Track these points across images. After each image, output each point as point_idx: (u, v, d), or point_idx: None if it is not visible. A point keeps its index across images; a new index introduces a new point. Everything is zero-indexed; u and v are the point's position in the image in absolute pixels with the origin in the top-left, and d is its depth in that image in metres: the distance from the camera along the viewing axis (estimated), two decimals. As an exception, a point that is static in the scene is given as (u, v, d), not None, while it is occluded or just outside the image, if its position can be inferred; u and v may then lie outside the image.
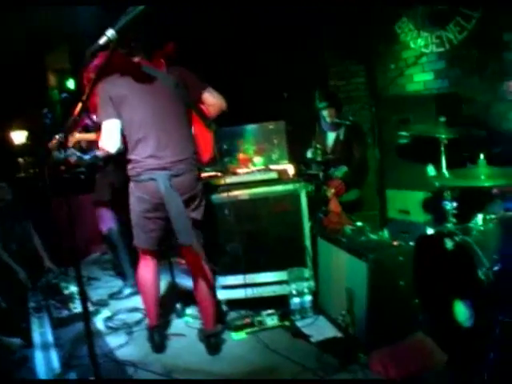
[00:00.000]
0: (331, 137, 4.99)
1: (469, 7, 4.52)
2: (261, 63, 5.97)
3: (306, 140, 4.88)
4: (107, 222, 4.52)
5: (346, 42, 5.88)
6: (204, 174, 3.90)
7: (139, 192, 3.17)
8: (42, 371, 3.20)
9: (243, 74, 5.93)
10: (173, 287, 4.19)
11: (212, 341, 3.38)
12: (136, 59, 3.18)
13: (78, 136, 4.02)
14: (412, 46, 5.22)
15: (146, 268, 3.40)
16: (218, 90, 3.40)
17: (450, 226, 3.12)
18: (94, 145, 3.77)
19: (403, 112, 4.43)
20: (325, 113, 4.83)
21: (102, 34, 1.90)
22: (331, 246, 3.57)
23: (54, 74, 6.93)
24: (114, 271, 5.25)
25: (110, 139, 3.10)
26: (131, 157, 3.16)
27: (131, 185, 3.22)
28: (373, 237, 3.52)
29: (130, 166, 3.19)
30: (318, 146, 4.54)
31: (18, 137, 6.18)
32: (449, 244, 2.87)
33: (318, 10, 5.75)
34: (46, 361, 3.35)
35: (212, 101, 3.37)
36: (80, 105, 2.07)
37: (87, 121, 4.15)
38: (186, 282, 4.06)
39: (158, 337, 3.46)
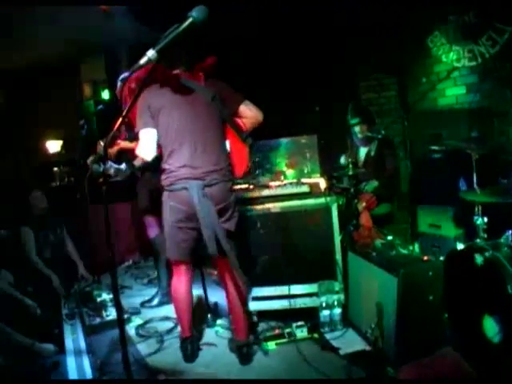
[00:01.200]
0: (363, 152, 4.99)
1: (502, 21, 4.50)
2: (294, 77, 6.01)
3: (339, 154, 4.89)
4: (154, 227, 4.56)
5: (378, 56, 5.88)
6: (236, 187, 3.95)
7: (172, 201, 3.22)
8: (73, 377, 3.27)
9: (278, 87, 5.96)
10: (204, 298, 4.22)
11: (244, 351, 3.40)
12: (176, 71, 3.27)
13: (122, 144, 4.08)
14: (444, 59, 5.21)
15: (179, 280, 3.44)
16: (254, 103, 3.45)
17: (479, 241, 3.11)
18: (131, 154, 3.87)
19: (435, 126, 4.43)
20: (356, 129, 4.83)
21: (143, 54, 1.98)
22: (362, 259, 3.57)
23: (89, 84, 7.07)
24: (146, 280, 5.33)
25: (146, 147, 3.17)
26: (165, 166, 3.23)
27: (165, 194, 3.28)
28: (403, 251, 3.51)
29: (163, 176, 3.25)
30: (350, 159, 4.56)
31: (54, 146, 6.34)
32: (479, 259, 2.87)
33: (351, 23, 5.79)
34: (77, 366, 3.43)
35: (249, 114, 3.41)
36: (120, 119, 2.14)
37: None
38: (218, 293, 4.12)
39: (191, 347, 3.50)
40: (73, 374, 3.33)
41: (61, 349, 3.64)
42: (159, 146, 3.24)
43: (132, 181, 4.54)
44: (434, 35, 5.28)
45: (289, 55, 5.92)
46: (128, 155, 3.81)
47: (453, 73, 5.01)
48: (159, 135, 3.21)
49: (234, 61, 5.57)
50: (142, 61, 2.00)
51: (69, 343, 3.75)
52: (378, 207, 4.71)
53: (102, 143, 2.46)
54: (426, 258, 3.30)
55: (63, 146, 6.37)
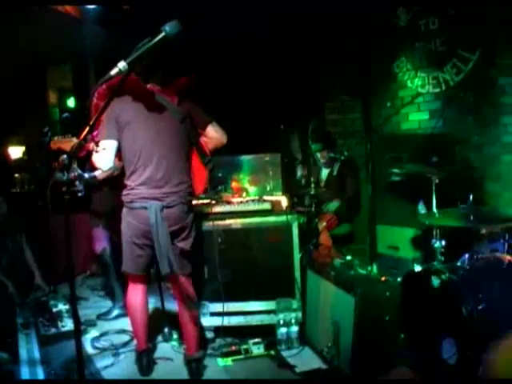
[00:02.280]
0: (325, 172, 5.08)
1: (467, 49, 4.63)
2: (259, 96, 6.05)
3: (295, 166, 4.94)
4: (101, 241, 4.53)
5: (343, 79, 5.97)
6: (197, 202, 3.96)
7: (130, 218, 3.23)
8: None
9: (242, 106, 5.98)
10: (161, 311, 4.20)
11: (193, 366, 3.39)
12: (150, 86, 3.29)
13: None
14: (409, 85, 5.31)
15: (135, 292, 3.42)
16: (218, 121, 3.51)
17: (437, 264, 3.18)
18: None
19: (397, 150, 4.51)
20: (318, 154, 4.94)
21: (114, 64, 1.97)
22: (320, 278, 3.62)
23: (55, 91, 6.99)
24: (103, 292, 5.24)
25: (104, 159, 3.15)
26: (127, 182, 3.23)
27: (124, 210, 3.28)
28: (361, 271, 3.56)
29: (124, 192, 3.24)
30: (312, 179, 4.61)
31: (15, 152, 6.23)
32: (435, 282, 2.92)
33: (317, 45, 5.87)
34: (31, 377, 3.36)
35: (214, 134, 3.50)
36: (87, 129, 2.12)
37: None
38: (175, 307, 4.08)
39: (146, 360, 3.47)
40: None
41: (15, 358, 3.55)
42: (120, 160, 3.24)
43: (90, 192, 4.50)
44: (400, 61, 5.38)
45: (255, 73, 5.95)
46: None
47: (417, 98, 5.11)
48: (124, 149, 3.21)
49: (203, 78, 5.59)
50: (113, 72, 1.99)
51: (23, 353, 3.68)
52: (338, 227, 4.78)
53: (65, 154, 2.42)
54: (383, 278, 3.36)
55: (25, 153, 6.25)
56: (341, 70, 5.89)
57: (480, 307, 2.62)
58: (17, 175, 5.87)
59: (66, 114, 5.58)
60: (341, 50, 5.78)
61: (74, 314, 2.41)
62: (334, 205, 4.80)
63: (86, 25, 5.63)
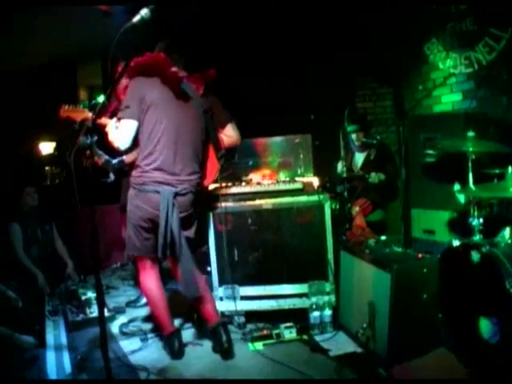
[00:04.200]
0: (359, 157, 4.98)
1: (499, 28, 4.50)
2: (291, 84, 5.99)
3: (332, 156, 4.84)
4: None
5: (374, 64, 5.88)
6: (226, 183, 3.93)
7: (139, 201, 3.18)
8: (52, 371, 3.19)
9: (274, 91, 5.92)
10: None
11: (221, 331, 3.32)
12: (177, 70, 3.23)
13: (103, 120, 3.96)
14: (441, 66, 5.21)
15: (148, 276, 3.37)
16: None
17: (476, 238, 3.03)
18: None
19: (431, 131, 4.36)
20: (354, 136, 4.84)
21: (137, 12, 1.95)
22: (354, 258, 3.48)
23: (84, 89, 7.06)
24: (132, 281, 5.23)
25: (123, 136, 3.11)
26: (140, 164, 3.18)
27: (132, 192, 3.23)
28: (397, 249, 3.42)
29: (135, 173, 3.20)
30: (345, 163, 4.51)
31: (46, 147, 6.30)
32: (475, 256, 2.79)
33: (345, 33, 5.80)
34: (57, 361, 3.34)
35: (232, 133, 3.51)
36: (110, 89, 2.09)
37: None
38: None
39: (178, 342, 3.39)
40: (51, 369, 3.23)
41: (41, 344, 3.53)
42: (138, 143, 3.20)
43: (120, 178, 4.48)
44: (431, 42, 5.28)
45: (288, 59, 5.90)
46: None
47: (449, 79, 4.99)
48: (143, 131, 3.16)
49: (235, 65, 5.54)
50: (135, 19, 1.97)
51: (50, 338, 3.67)
52: (372, 213, 4.66)
53: (90, 114, 2.41)
54: (420, 255, 3.22)
55: (56, 148, 6.31)
56: (370, 57, 5.80)
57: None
58: (47, 168, 5.93)
59: (94, 101, 5.62)
60: (370, 36, 5.69)
61: (99, 299, 2.41)
62: (378, 176, 4.65)
63: (116, 19, 5.63)
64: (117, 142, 3.11)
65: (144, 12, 1.94)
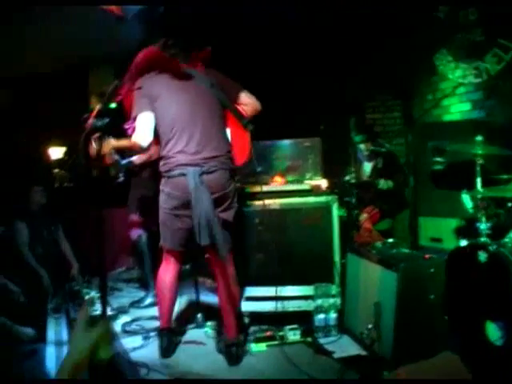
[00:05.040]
0: (368, 166, 4.98)
1: (507, 38, 4.53)
2: (300, 92, 6.01)
3: (341, 162, 4.82)
4: (137, 229, 4.53)
5: (383, 75, 5.90)
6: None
7: (169, 188, 3.16)
8: (51, 366, 3.14)
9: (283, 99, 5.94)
10: (196, 302, 4.09)
11: (233, 350, 3.23)
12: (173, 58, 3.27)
13: (113, 143, 4.01)
14: (450, 76, 5.23)
15: (167, 270, 3.36)
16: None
17: (483, 239, 3.00)
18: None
19: (439, 138, 4.36)
20: (362, 146, 4.84)
21: None
22: (361, 259, 3.44)
23: (96, 96, 7.06)
24: (137, 284, 5.22)
25: (143, 132, 3.12)
26: (163, 153, 3.18)
27: (162, 181, 3.22)
28: (404, 250, 3.39)
29: (161, 163, 3.20)
30: (353, 169, 4.51)
31: (56, 152, 6.33)
32: (482, 256, 2.77)
33: (356, 46, 5.83)
34: (56, 356, 3.28)
35: (248, 100, 3.40)
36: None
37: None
38: (210, 299, 4.04)
39: (166, 340, 3.38)
40: (51, 363, 3.17)
41: (42, 338, 3.51)
42: (157, 135, 3.20)
43: (128, 184, 4.51)
44: (440, 53, 5.31)
45: (297, 67, 5.93)
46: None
47: (458, 89, 5.01)
48: (158, 121, 3.17)
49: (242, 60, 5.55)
50: None
51: (51, 334, 3.61)
52: (380, 222, 4.64)
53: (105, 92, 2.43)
54: (427, 256, 3.19)
55: (66, 153, 6.32)
56: (380, 69, 5.82)
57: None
58: (56, 170, 5.94)
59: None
60: (379, 47, 5.72)
61: (103, 285, 2.39)
62: (387, 183, 4.65)
63: (129, 24, 5.67)
64: (139, 140, 3.12)
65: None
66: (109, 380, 2.71)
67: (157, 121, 3.17)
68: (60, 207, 5.30)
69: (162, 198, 3.23)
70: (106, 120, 2.32)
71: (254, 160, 3.56)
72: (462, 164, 3.55)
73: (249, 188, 3.84)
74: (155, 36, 3.45)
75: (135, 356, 3.36)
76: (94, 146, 2.75)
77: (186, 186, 3.06)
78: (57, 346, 3.45)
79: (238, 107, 3.42)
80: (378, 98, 6.14)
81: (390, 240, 3.65)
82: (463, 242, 3.05)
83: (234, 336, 3.30)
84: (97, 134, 2.50)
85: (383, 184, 4.62)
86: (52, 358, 3.28)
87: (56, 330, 3.68)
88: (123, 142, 3.28)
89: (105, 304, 2.49)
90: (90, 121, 2.44)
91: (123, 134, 3.34)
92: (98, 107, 2.33)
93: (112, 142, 3.31)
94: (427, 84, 5.55)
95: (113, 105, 3.10)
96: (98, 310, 3.95)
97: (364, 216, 4.50)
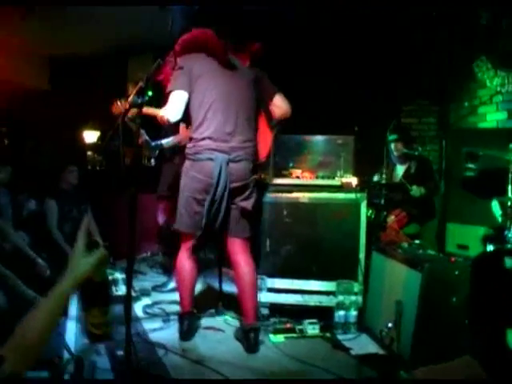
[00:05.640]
0: (400, 169, 4.96)
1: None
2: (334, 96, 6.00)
3: (373, 162, 4.79)
4: (166, 214, 4.55)
5: (421, 81, 5.85)
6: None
7: (194, 171, 3.20)
8: (70, 339, 3.20)
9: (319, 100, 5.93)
10: (218, 291, 4.13)
11: (251, 335, 3.23)
12: (224, 44, 3.30)
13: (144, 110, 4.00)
14: (488, 84, 5.15)
15: (186, 255, 3.38)
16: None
17: (511, 246, 2.97)
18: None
19: (473, 145, 4.30)
20: (393, 145, 4.82)
21: None
22: (386, 258, 3.42)
23: (133, 84, 7.12)
24: (161, 269, 5.27)
25: (174, 109, 3.17)
26: (194, 135, 3.22)
27: (186, 164, 3.27)
28: (430, 252, 3.37)
29: (190, 145, 3.25)
30: (385, 173, 4.48)
31: (91, 136, 6.42)
32: (509, 262, 2.73)
33: (395, 49, 5.80)
34: (76, 331, 3.37)
35: (281, 104, 3.45)
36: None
37: None
38: (232, 289, 4.02)
39: (187, 324, 3.39)
40: (70, 337, 3.25)
41: (64, 313, 3.56)
42: (189, 116, 3.24)
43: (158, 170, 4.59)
44: (480, 60, 5.24)
45: (335, 67, 5.92)
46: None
47: (495, 97, 4.94)
48: (193, 102, 3.22)
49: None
50: None
51: (72, 310, 3.67)
52: (407, 226, 4.60)
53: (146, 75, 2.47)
54: (453, 259, 3.16)
55: (100, 138, 6.42)
56: (419, 73, 5.78)
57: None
58: (89, 153, 6.04)
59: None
60: (419, 51, 5.68)
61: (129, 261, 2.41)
62: (419, 190, 4.63)
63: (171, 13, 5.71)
64: (168, 114, 3.16)
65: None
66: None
67: (192, 101, 3.22)
68: (90, 189, 5.39)
69: (184, 181, 3.28)
70: (146, 98, 2.36)
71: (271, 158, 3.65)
72: (494, 171, 3.50)
73: (280, 180, 3.86)
74: (199, 26, 3.47)
75: (154, 337, 3.39)
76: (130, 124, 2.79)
77: (211, 171, 3.12)
78: (77, 320, 3.52)
79: (270, 107, 3.47)
80: (416, 102, 6.08)
81: (417, 241, 3.63)
82: (490, 247, 3.01)
83: (253, 321, 3.32)
84: (135, 110, 2.54)
85: (416, 191, 4.60)
86: (72, 331, 3.36)
87: (78, 307, 3.73)
88: (153, 111, 3.31)
89: (130, 287, 2.54)
90: (130, 98, 2.49)
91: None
92: (139, 84, 2.37)
93: (144, 109, 3.41)
94: (465, 90, 5.49)
95: (150, 93, 3.14)
96: (120, 290, 4.03)
97: (391, 218, 4.47)
